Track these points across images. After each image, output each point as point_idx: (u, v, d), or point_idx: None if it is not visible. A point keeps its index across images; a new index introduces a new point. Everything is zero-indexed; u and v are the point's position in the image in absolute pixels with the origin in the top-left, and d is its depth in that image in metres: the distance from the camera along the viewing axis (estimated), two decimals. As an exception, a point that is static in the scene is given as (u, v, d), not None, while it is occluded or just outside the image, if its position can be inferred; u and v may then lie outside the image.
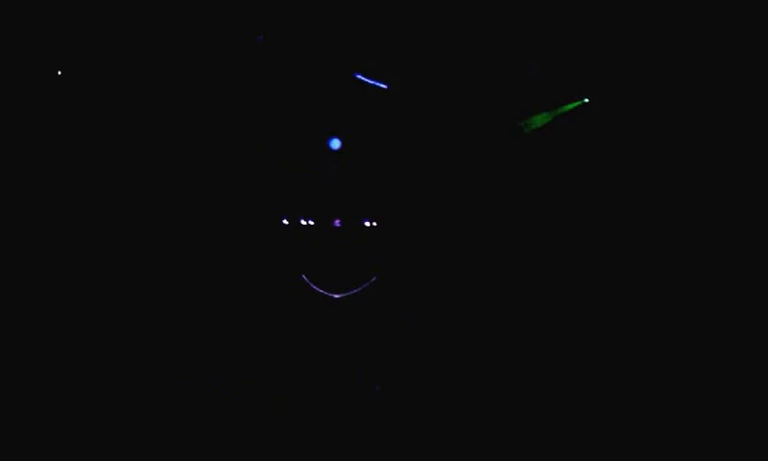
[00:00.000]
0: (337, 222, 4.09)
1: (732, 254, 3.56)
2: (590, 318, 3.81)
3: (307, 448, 3.53)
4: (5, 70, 3.59)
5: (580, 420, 3.55)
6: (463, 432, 3.58)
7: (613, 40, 3.73)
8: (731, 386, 3.39)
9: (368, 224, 4.10)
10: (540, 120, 3.92)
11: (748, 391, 3.35)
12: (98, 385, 3.55)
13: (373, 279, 4.06)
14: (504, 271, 4.02)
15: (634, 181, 3.82)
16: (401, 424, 3.65)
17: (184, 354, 3.76)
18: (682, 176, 3.70)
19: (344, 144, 4.02)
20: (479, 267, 4.05)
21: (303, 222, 4.08)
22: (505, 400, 3.70)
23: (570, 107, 3.89)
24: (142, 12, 3.69)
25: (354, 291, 4.06)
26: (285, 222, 4.05)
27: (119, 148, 3.84)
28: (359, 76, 3.69)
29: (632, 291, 3.76)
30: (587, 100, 3.85)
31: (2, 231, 3.58)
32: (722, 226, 3.60)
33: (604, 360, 3.70)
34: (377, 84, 3.72)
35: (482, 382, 3.79)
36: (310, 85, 3.96)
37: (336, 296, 4.05)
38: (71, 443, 3.30)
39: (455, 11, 3.78)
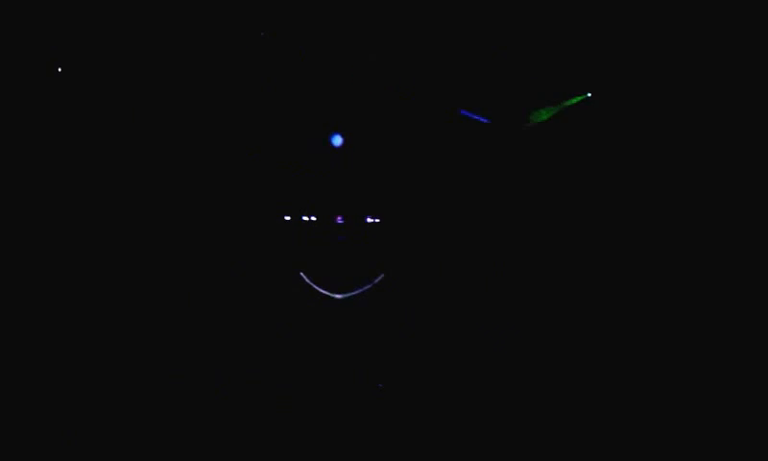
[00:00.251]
0: (339, 219, 4.07)
1: (733, 255, 3.57)
2: (591, 318, 3.80)
3: (307, 450, 3.50)
4: (5, 70, 3.61)
5: (580, 420, 3.53)
6: (464, 432, 3.55)
7: (616, 35, 3.75)
8: (731, 386, 3.39)
9: (370, 220, 4.09)
10: (543, 114, 3.93)
11: (748, 391, 3.35)
12: (97, 385, 3.51)
13: (378, 278, 4.03)
14: (506, 270, 4.01)
15: (636, 180, 3.82)
16: (402, 424, 3.63)
17: (183, 355, 3.72)
18: (685, 174, 3.71)
19: (346, 140, 4.03)
20: (480, 267, 4.05)
21: (305, 218, 4.06)
22: (506, 400, 3.68)
23: (573, 101, 3.90)
24: (142, 10, 3.72)
25: (357, 291, 4.03)
26: (287, 219, 4.03)
27: (118, 146, 3.85)
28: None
29: (633, 291, 3.75)
30: (589, 95, 3.87)
31: (2, 231, 3.59)
32: (723, 226, 3.60)
33: (604, 361, 3.69)
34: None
35: (483, 382, 3.77)
36: (310, 83, 3.98)
37: (338, 296, 4.03)
38: (71, 443, 3.27)
39: (455, 10, 3.81)
